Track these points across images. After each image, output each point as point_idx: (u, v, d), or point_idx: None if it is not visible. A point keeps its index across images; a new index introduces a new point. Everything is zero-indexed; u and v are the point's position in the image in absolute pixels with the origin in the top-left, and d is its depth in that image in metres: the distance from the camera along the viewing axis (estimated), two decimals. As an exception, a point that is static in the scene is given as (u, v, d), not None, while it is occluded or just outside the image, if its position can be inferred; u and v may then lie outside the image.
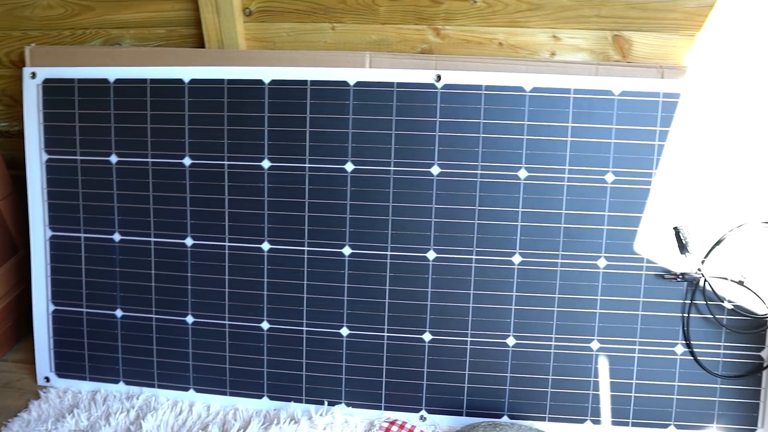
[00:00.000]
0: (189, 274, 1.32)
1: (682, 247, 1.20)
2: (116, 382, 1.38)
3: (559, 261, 1.22)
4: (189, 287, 1.32)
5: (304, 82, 1.23)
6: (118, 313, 1.36)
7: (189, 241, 1.31)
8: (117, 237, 1.34)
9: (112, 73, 1.31)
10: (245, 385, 1.32)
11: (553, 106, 1.19)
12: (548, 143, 1.19)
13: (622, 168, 1.20)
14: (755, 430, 1.25)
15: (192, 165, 1.29)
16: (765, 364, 1.24)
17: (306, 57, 1.23)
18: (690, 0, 1.16)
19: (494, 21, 1.21)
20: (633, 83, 1.18)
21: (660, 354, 1.24)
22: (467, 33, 1.23)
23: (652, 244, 1.21)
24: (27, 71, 1.34)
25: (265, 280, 1.29)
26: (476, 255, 1.22)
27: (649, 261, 1.22)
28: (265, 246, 1.28)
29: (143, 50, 1.30)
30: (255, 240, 1.28)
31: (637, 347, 1.24)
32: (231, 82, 1.26)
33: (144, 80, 1.29)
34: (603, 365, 1.25)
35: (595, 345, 1.24)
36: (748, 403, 1.25)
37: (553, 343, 1.24)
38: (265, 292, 1.29)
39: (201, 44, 1.33)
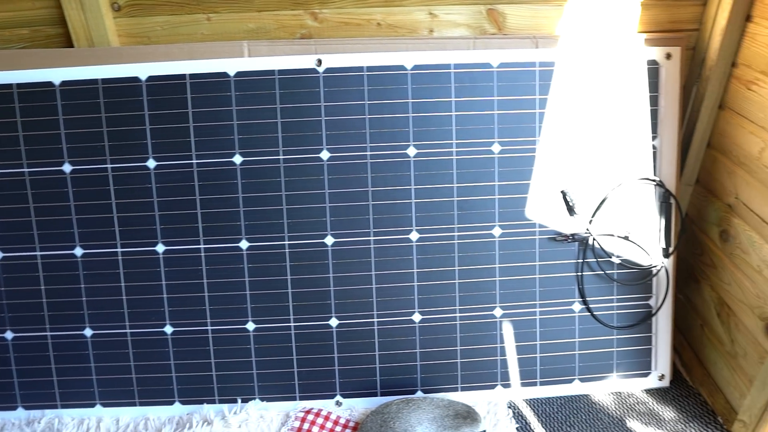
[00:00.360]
0: (82, 286, 1.26)
1: (570, 210, 1.26)
2: (14, 408, 1.31)
3: (456, 234, 1.25)
4: (83, 299, 1.27)
5: (183, 76, 1.20)
6: (9, 335, 1.29)
7: (78, 251, 1.25)
8: (-1, 254, 1.27)
9: (-26, 80, 1.22)
10: (154, 393, 1.29)
11: (435, 83, 1.21)
12: (434, 119, 1.22)
13: (507, 138, 1.24)
14: (650, 372, 1.34)
15: (73, 171, 1.23)
16: (653, 312, 1.32)
17: (182, 50, 1.19)
18: (554, -29, 1.20)
19: (371, 2, 1.22)
20: (510, 55, 1.22)
21: (559, 313, 1.30)
22: (345, 15, 1.23)
23: (542, 209, 1.26)
24: None
25: (163, 282, 1.25)
26: (374, 236, 1.24)
27: (540, 225, 1.27)
28: (160, 248, 1.24)
29: (5, 53, 1.22)
30: (148, 243, 1.24)
31: (537, 309, 1.29)
32: (105, 81, 1.21)
33: (9, 85, 1.22)
34: (507, 330, 1.29)
35: (498, 312, 1.28)
36: (642, 349, 1.33)
37: (457, 315, 1.28)
38: (165, 295, 1.26)
39: (68, 43, 1.26)
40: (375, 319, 1.26)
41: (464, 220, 1.25)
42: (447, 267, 1.25)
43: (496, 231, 1.26)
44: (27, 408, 1.31)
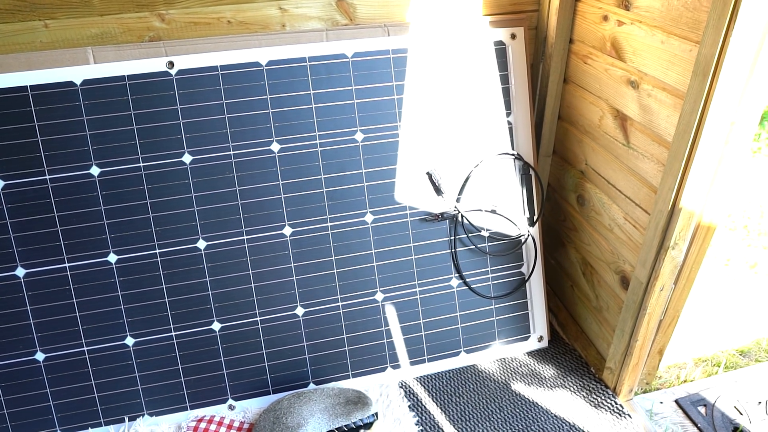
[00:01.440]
0: (28, 308, 1.19)
1: (437, 190, 1.32)
2: None
3: (329, 224, 1.28)
4: (31, 322, 1.19)
5: (24, 88, 1.15)
6: None
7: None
8: None
9: None
10: (31, 426, 1.24)
11: (291, 77, 1.23)
12: (294, 113, 1.24)
13: (369, 125, 1.28)
14: (529, 336, 1.43)
15: None
16: (526, 278, 1.41)
17: (19, 61, 1.14)
18: (395, -40, 1.25)
19: (218, 0, 1.22)
20: (363, 44, 1.26)
21: (439, 291, 1.36)
22: (193, 15, 1.22)
23: (411, 192, 1.32)
24: None
25: (29, 307, 1.20)
26: (246, 235, 1.24)
27: (411, 208, 1.32)
28: (20, 272, 1.19)
29: None
30: (4, 268, 1.19)
31: (417, 289, 1.35)
32: (-64, 100, 1.13)
33: None
34: (391, 313, 1.34)
35: (379, 296, 1.33)
36: (520, 315, 1.42)
37: (340, 304, 1.31)
38: (32, 321, 1.21)
39: None
40: (258, 318, 1.27)
41: (336, 209, 1.28)
42: (324, 258, 1.28)
43: (369, 218, 1.30)
44: None
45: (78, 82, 1.16)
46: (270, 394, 1.30)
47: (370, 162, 1.29)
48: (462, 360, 1.39)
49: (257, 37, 1.22)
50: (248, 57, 1.21)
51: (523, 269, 1.41)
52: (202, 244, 1.23)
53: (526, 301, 1.42)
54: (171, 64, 1.18)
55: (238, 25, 1.24)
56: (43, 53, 1.15)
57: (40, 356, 1.22)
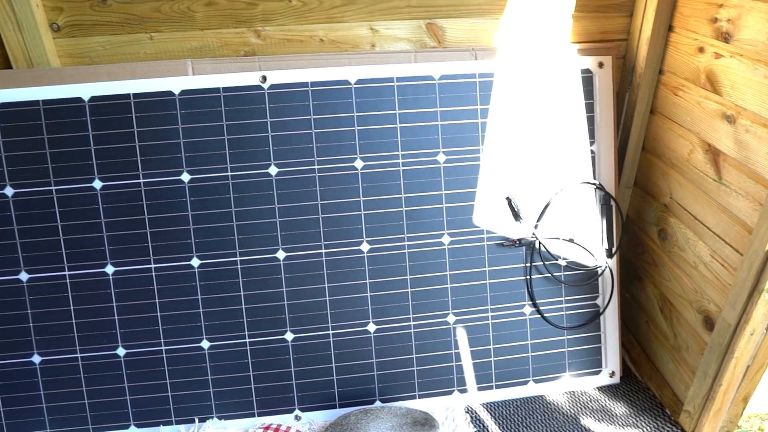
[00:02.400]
0: (28, 311, 1.26)
1: (516, 215, 1.32)
2: (-40, 441, 1.29)
3: (406, 243, 1.29)
4: (30, 325, 1.26)
5: (127, 95, 1.21)
6: (-48, 365, 1.27)
7: (24, 276, 1.25)
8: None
9: None
10: (108, 418, 1.29)
11: (379, 96, 1.25)
12: (379, 131, 1.26)
13: (452, 147, 1.29)
14: (601, 370, 1.40)
15: (15, 195, 1.23)
16: (601, 311, 1.38)
17: (125, 70, 1.21)
18: (489, -14, 1.27)
19: (312, 18, 1.26)
20: (450, 67, 1.27)
21: (511, 317, 1.35)
22: (287, 32, 1.27)
23: (489, 216, 1.32)
24: None
25: (114, 304, 1.26)
26: (325, 248, 1.27)
27: (488, 232, 1.32)
28: (109, 269, 1.25)
29: (-59, 77, 1.22)
30: (96, 264, 1.25)
31: (489, 314, 1.34)
32: (47, 102, 1.21)
33: (-54, 110, 1.21)
34: (461, 336, 1.34)
35: (451, 318, 1.33)
36: (592, 348, 1.39)
37: (411, 323, 1.31)
38: (116, 317, 1.26)
39: (7, 65, 1.26)
40: (330, 332, 1.29)
41: (413, 229, 1.29)
42: (399, 276, 1.29)
43: (446, 239, 1.31)
44: (-28, 442, 1.28)
45: (177, 92, 1.22)
46: (336, 408, 1.32)
47: (450, 184, 1.29)
48: (530, 389, 1.37)
49: (347, 56, 1.25)
50: (338, 75, 1.24)
51: (598, 301, 1.38)
52: (281, 254, 1.26)
53: (600, 334, 1.39)
54: (264, 79, 1.22)
55: (329, 44, 1.28)
56: (147, 64, 1.21)
57: (121, 351, 1.27)
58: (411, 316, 1.31)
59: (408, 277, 1.30)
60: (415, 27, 1.29)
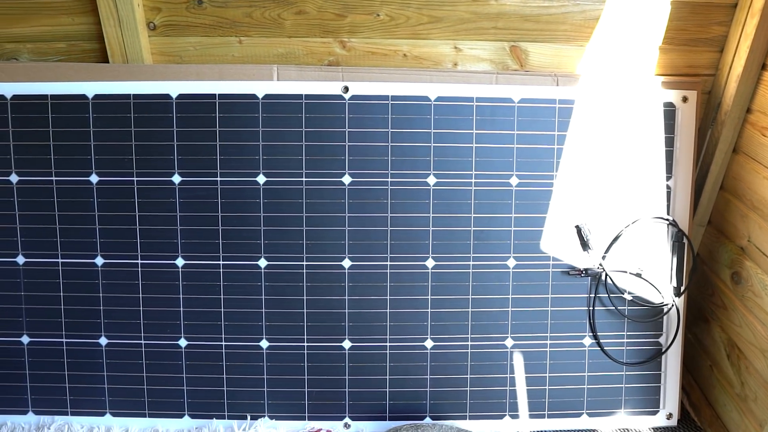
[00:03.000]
0: (101, 295, 1.31)
1: (584, 245, 1.30)
2: (24, 412, 1.35)
3: (471, 263, 1.29)
4: (101, 308, 1.31)
5: (212, 95, 1.25)
6: (25, 339, 1.33)
7: (99, 261, 1.30)
8: (21, 260, 1.31)
9: (9, 89, 1.29)
10: (165, 405, 1.33)
11: (457, 114, 1.26)
12: (454, 150, 1.27)
13: (525, 171, 1.29)
14: (658, 411, 1.36)
15: (100, 182, 1.28)
16: (663, 349, 1.35)
17: (213, 71, 1.25)
18: (578, 13, 1.26)
19: (398, 33, 1.28)
20: (531, 91, 1.27)
21: (570, 347, 1.33)
22: (372, 45, 1.29)
23: (557, 243, 1.30)
24: None
25: (181, 296, 1.30)
26: (390, 261, 1.28)
27: (554, 259, 1.31)
28: (180, 261, 1.29)
29: (42, 65, 1.28)
30: (168, 256, 1.29)
31: (548, 342, 1.33)
32: (137, 97, 1.26)
33: (44, 96, 1.28)
34: (518, 361, 1.33)
35: (509, 342, 1.32)
36: (651, 387, 1.36)
37: (469, 343, 1.31)
38: (182, 309, 1.30)
39: (103, 59, 1.33)
40: (387, 344, 1.30)
41: (480, 249, 1.29)
42: (461, 295, 1.29)
43: (511, 262, 1.30)
44: (37, 413, 1.34)
45: (260, 95, 1.25)
46: (386, 420, 1.32)
47: (520, 207, 1.29)
48: (583, 422, 1.35)
49: (429, 73, 1.27)
50: (419, 90, 1.25)
51: (661, 339, 1.35)
52: (347, 263, 1.28)
53: (660, 374, 1.36)
54: (346, 89, 1.25)
55: (412, 59, 1.29)
56: (234, 66, 1.25)
57: (183, 342, 1.31)
58: (469, 336, 1.31)
59: (470, 296, 1.30)
60: (498, 48, 1.30)
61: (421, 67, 1.30)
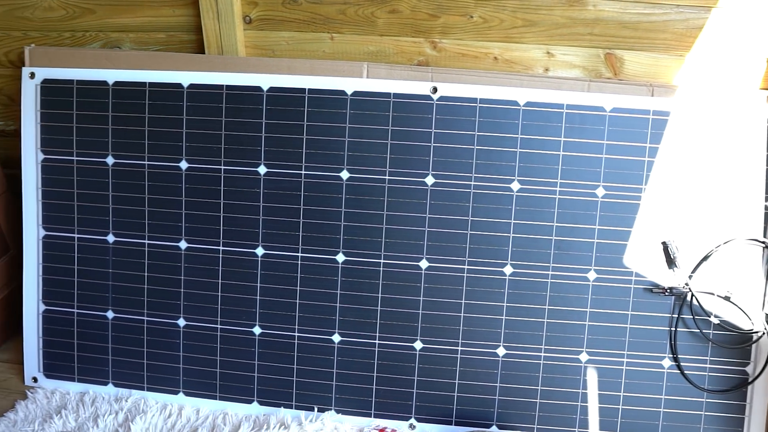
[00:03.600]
0: (182, 278, 1.36)
1: (670, 262, 1.26)
2: (105, 383, 1.41)
3: (550, 273, 1.27)
4: (181, 290, 1.36)
5: (302, 90, 1.28)
6: (110, 314, 1.40)
7: (183, 244, 1.35)
8: (111, 238, 1.38)
9: (111, 75, 1.35)
10: (235, 390, 1.36)
11: (546, 121, 1.24)
12: (541, 156, 1.25)
13: (613, 183, 1.25)
14: (739, 444, 1.30)
15: (188, 169, 1.33)
16: (750, 379, 1.29)
17: (304, 65, 1.28)
18: (680, 22, 1.22)
19: (490, 36, 1.27)
20: (624, 100, 1.24)
21: (647, 367, 1.29)
22: (463, 47, 1.29)
23: (641, 258, 1.27)
24: (26, 71, 1.39)
25: (258, 285, 1.33)
26: (468, 265, 1.27)
27: (637, 275, 1.27)
28: (260, 251, 1.32)
29: (143, 54, 1.34)
30: (249, 245, 1.32)
31: (625, 360, 1.29)
32: (230, 87, 1.30)
33: (143, 83, 1.34)
34: (591, 377, 1.29)
35: (583, 357, 1.29)
36: (733, 417, 1.30)
37: (542, 354, 1.29)
38: (258, 297, 1.33)
39: (200, 50, 1.38)
40: (459, 348, 1.29)
41: (560, 260, 1.26)
42: (537, 305, 1.27)
43: (591, 275, 1.27)
44: (116, 385, 1.41)
45: (349, 92, 1.27)
46: (452, 424, 1.32)
47: (605, 219, 1.26)
48: (656, 447, 1.30)
49: (519, 77, 1.25)
50: (508, 95, 1.24)
51: (748, 369, 1.29)
52: (424, 264, 1.28)
53: (744, 405, 1.29)
54: (434, 90, 1.25)
55: (503, 63, 1.28)
56: (326, 62, 1.27)
57: (257, 330, 1.34)
58: (543, 346, 1.29)
59: (546, 307, 1.28)
60: (592, 55, 1.27)
61: (511, 71, 1.29)
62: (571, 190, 1.26)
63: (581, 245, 1.27)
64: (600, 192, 1.26)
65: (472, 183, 1.26)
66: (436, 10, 1.26)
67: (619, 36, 1.25)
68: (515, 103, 1.25)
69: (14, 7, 1.42)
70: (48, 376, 1.44)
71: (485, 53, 1.29)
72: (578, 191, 1.26)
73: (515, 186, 1.26)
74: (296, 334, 1.33)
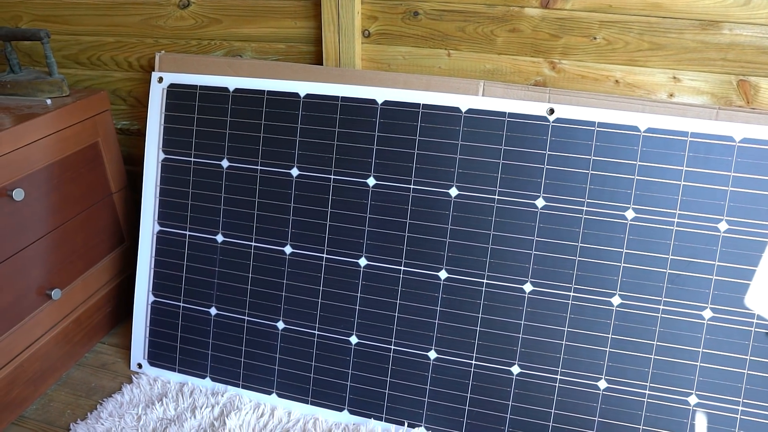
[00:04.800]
0: (284, 281, 1.41)
1: (798, 307, 1.18)
2: (203, 377, 1.48)
3: (661, 307, 1.23)
4: (283, 294, 1.41)
5: (417, 105, 1.30)
6: (213, 311, 1.47)
7: (288, 249, 1.40)
8: (220, 238, 1.45)
9: (232, 82, 1.43)
10: (327, 396, 1.39)
11: (667, 148, 1.20)
12: (659, 185, 1.21)
13: (738, 217, 1.20)
14: None
15: (299, 176, 1.38)
16: None
17: (420, 81, 1.30)
18: (827, 50, 1.16)
19: (612, 58, 1.25)
20: (757, 131, 1.18)
21: (765, 418, 1.21)
22: (583, 68, 1.27)
23: (765, 300, 1.20)
24: (155, 75, 1.49)
25: (359, 295, 1.36)
26: (574, 292, 1.25)
27: (759, 317, 1.20)
28: (362, 261, 1.35)
29: (263, 63, 1.41)
30: (353, 255, 1.36)
31: (740, 408, 1.22)
32: (345, 99, 1.35)
33: (261, 91, 1.40)
34: (700, 422, 1.23)
35: (693, 399, 1.23)
36: None
37: (647, 392, 1.24)
38: (358, 307, 1.36)
39: (317, 61, 1.43)
40: (558, 376, 1.27)
41: (673, 294, 1.22)
42: (645, 339, 1.23)
43: (707, 313, 1.21)
44: (213, 380, 1.47)
45: (464, 109, 1.28)
46: (544, 455, 1.29)
47: (726, 256, 1.20)
48: (769, 505, 1.22)
49: (640, 102, 1.22)
50: (628, 119, 1.21)
51: None
52: (528, 287, 1.27)
53: None
54: (551, 111, 1.24)
55: (624, 86, 1.26)
56: (442, 78, 1.29)
57: (353, 339, 1.36)
58: (648, 384, 1.24)
59: (655, 342, 1.23)
60: (723, 82, 1.22)
61: (632, 95, 1.26)
62: (691, 222, 1.21)
63: (698, 281, 1.21)
64: (723, 226, 1.20)
65: (584, 208, 1.24)
66: (558, 31, 1.25)
67: (756, 62, 1.19)
68: (635, 128, 1.21)
69: (150, 16, 1.53)
70: (151, 364, 1.53)
71: (606, 76, 1.27)
72: (698, 224, 1.21)
73: (630, 214, 1.23)
74: (392, 347, 1.35)
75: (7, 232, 1.32)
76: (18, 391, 1.40)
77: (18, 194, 1.31)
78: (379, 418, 1.37)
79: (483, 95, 1.28)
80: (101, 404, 1.44)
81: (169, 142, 1.49)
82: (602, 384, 1.26)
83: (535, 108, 1.25)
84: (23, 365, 1.40)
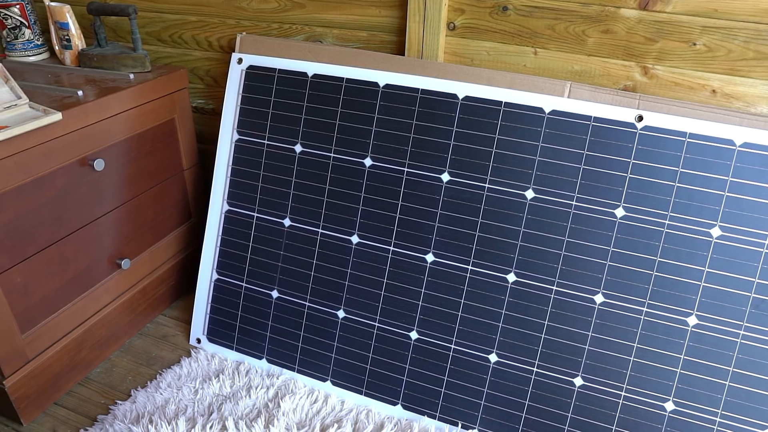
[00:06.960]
0: (349, 270, 1.43)
1: None
2: (260, 357, 1.53)
3: (742, 332, 1.19)
4: (346, 283, 1.43)
5: (498, 102, 1.30)
6: (275, 293, 1.50)
7: (355, 239, 1.42)
8: (287, 222, 1.48)
9: (312, 68, 1.45)
10: (381, 389, 1.41)
11: (765, 166, 1.16)
12: (752, 204, 1.17)
13: (835, 245, 1.15)
14: None
15: (372, 166, 1.40)
16: None
17: (504, 78, 1.29)
18: None
19: (711, 67, 1.21)
20: None
21: (843, 458, 1.17)
22: (678, 75, 1.24)
23: None
24: (235, 57, 1.53)
25: (423, 290, 1.37)
26: (648, 308, 1.23)
27: None
28: (429, 257, 1.36)
29: (344, 50, 1.43)
30: (421, 250, 1.37)
31: (816, 444, 1.18)
32: (425, 92, 1.35)
33: (340, 78, 1.42)
34: (772, 455, 1.20)
35: None
36: None
37: (718, 420, 1.21)
38: (420, 303, 1.37)
39: (398, 51, 1.44)
40: (623, 393, 1.25)
41: (756, 320, 1.18)
42: (721, 364, 1.20)
43: (791, 342, 1.17)
44: (270, 361, 1.51)
45: (547, 110, 1.27)
46: (602, 472, 1.27)
47: (818, 284, 1.15)
48: None
49: (738, 115, 1.18)
50: (723, 132, 1.18)
51: None
52: (599, 298, 1.25)
53: None
54: (640, 118, 1.21)
55: (721, 97, 1.22)
56: (527, 77, 1.28)
57: (414, 335, 1.38)
58: (720, 411, 1.21)
59: (731, 368, 1.20)
60: (831, 100, 1.17)
61: (729, 107, 1.22)
62: (742, 238, 1.17)
63: (784, 308, 1.17)
64: (815, 253, 1.16)
65: (667, 222, 1.21)
66: (655, 34, 1.22)
67: None
68: (730, 142, 1.18)
69: (234, -4, 1.58)
70: (210, 340, 1.58)
71: (702, 84, 1.23)
72: (748, 239, 1.16)
73: (716, 232, 1.19)
74: (452, 346, 1.36)
75: (86, 201, 1.39)
76: (85, 353, 1.47)
77: (99, 164, 1.37)
78: (433, 416, 1.38)
79: (569, 97, 1.26)
80: (160, 374, 1.50)
81: (244, 123, 1.53)
82: (669, 406, 1.24)
83: (623, 114, 1.23)
84: (91, 329, 1.47)
